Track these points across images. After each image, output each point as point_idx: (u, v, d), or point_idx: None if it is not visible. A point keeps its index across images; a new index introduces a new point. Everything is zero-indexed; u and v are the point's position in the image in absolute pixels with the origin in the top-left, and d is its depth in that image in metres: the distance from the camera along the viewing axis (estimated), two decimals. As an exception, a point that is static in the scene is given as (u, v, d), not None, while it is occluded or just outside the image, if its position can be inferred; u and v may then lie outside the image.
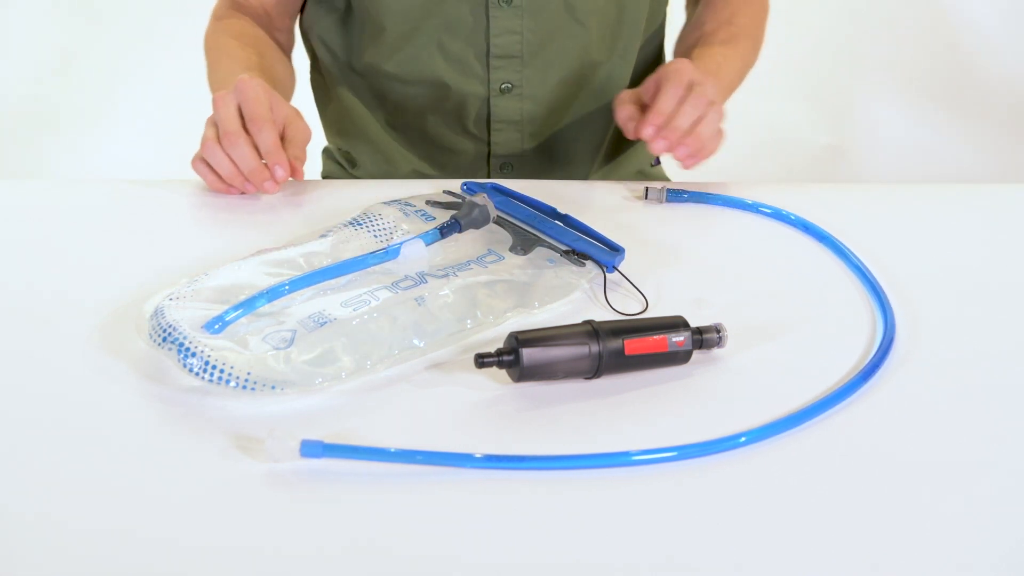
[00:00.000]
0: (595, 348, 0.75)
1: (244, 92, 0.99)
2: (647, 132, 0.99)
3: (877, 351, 0.80)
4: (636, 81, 1.25)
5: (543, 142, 1.21)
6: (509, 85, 1.15)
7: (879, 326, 0.83)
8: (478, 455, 0.69)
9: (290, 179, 1.00)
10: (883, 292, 0.87)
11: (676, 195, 1.02)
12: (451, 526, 0.65)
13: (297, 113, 1.04)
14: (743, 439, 0.71)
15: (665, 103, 0.99)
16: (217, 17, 1.24)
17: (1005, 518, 0.66)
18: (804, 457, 0.71)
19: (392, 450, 0.69)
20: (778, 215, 0.99)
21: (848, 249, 0.93)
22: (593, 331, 0.75)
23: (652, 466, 0.69)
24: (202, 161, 1.00)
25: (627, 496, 0.67)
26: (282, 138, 1.01)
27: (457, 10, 1.12)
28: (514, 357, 0.74)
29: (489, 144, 1.20)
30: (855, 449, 0.72)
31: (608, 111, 1.23)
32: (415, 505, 0.66)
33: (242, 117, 0.99)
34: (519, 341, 0.74)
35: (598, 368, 0.75)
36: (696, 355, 0.79)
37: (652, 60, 1.28)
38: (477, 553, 0.63)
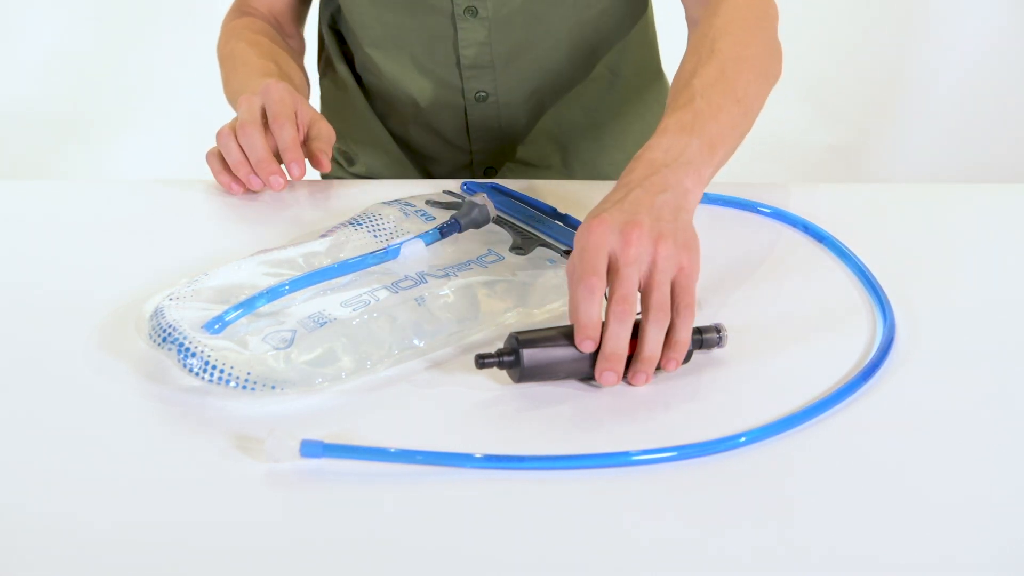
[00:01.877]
0: (596, 349, 0.74)
1: (270, 94, 1.01)
2: (609, 379, 0.74)
3: (877, 351, 0.80)
4: (624, 81, 1.24)
5: (525, 148, 1.21)
6: (484, 94, 1.15)
7: (879, 326, 0.83)
8: (478, 455, 0.69)
9: (290, 179, 1.00)
10: (883, 292, 0.87)
11: None
12: (451, 526, 0.65)
13: (321, 116, 1.06)
14: (743, 439, 0.71)
15: (612, 343, 0.73)
16: (227, 26, 1.23)
17: (1004, 518, 0.66)
18: (804, 457, 0.71)
19: (392, 450, 0.69)
20: (778, 215, 0.99)
21: (848, 249, 0.93)
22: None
23: (652, 466, 0.69)
24: (215, 153, 1.01)
25: (628, 496, 0.67)
26: (306, 139, 1.03)
27: (425, 22, 1.12)
28: (514, 358, 0.74)
29: (471, 152, 1.20)
30: (855, 449, 0.72)
31: (598, 116, 1.22)
32: (415, 505, 0.66)
33: (265, 119, 1.00)
34: (519, 342, 0.74)
35: None
36: (696, 355, 0.79)
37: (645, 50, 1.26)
38: (477, 553, 0.63)
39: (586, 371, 0.75)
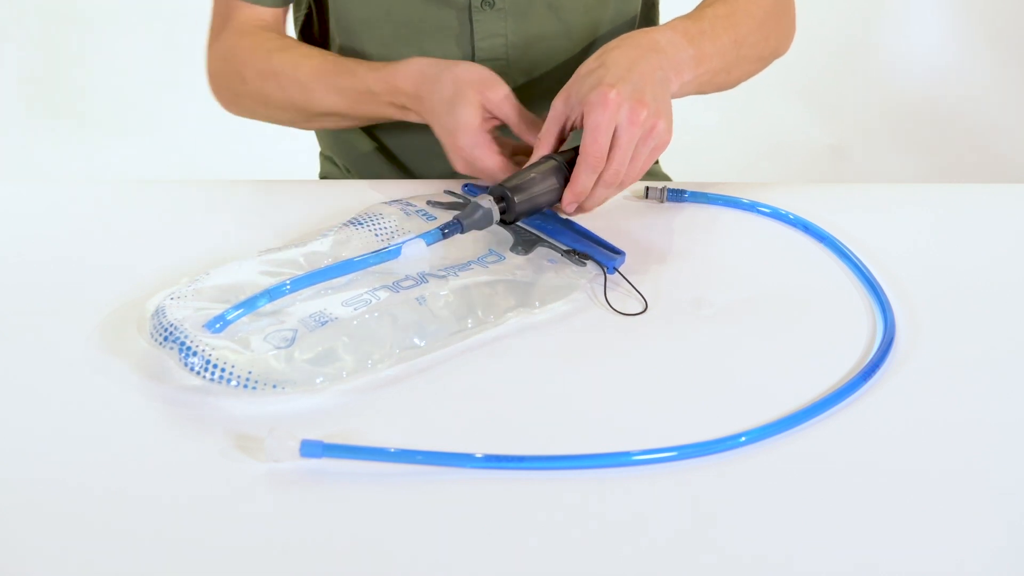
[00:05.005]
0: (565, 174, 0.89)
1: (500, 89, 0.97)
2: (570, 210, 0.91)
3: (877, 351, 0.80)
4: None
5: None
6: None
7: (879, 326, 0.83)
8: (478, 455, 0.69)
9: (289, 179, 0.99)
10: (883, 292, 0.87)
11: (676, 195, 1.02)
12: (451, 526, 0.65)
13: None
14: (743, 439, 0.71)
15: (581, 182, 0.89)
16: (230, 45, 1.12)
17: (1004, 517, 0.66)
18: (804, 457, 0.71)
19: (392, 450, 0.69)
20: (777, 215, 0.99)
21: (848, 249, 0.93)
22: (559, 165, 0.89)
23: (652, 466, 0.69)
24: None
25: (627, 496, 0.67)
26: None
27: (439, 16, 1.12)
28: (506, 203, 0.87)
29: None
30: (855, 449, 0.72)
31: None
32: (415, 505, 0.66)
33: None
34: (507, 189, 0.87)
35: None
36: (694, 357, 0.79)
37: None
38: (477, 553, 0.63)
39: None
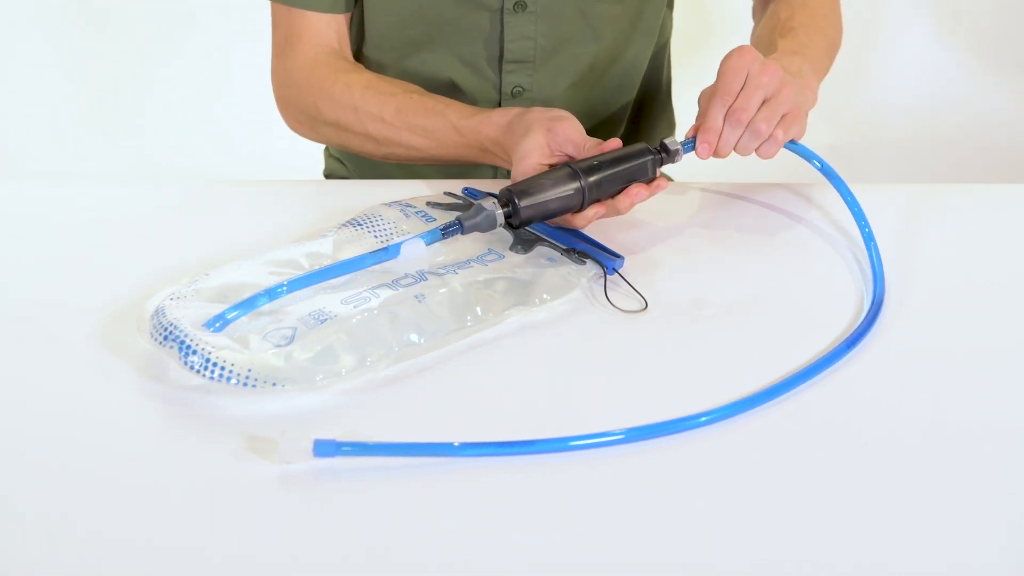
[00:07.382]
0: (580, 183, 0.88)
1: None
2: (703, 153, 0.94)
3: (855, 330, 0.81)
4: (643, 86, 1.25)
5: None
6: (520, 88, 1.16)
7: (865, 312, 0.84)
8: (455, 443, 0.69)
9: (288, 179, 0.99)
10: (879, 263, 0.88)
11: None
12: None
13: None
14: (704, 419, 0.71)
15: (712, 116, 0.92)
16: (302, 72, 1.12)
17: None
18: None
19: (410, 444, 0.69)
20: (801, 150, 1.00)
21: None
22: (573, 172, 0.88)
23: (596, 451, 0.69)
24: None
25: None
26: None
27: (471, 17, 1.12)
28: (511, 208, 0.86)
29: None
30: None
31: (615, 115, 1.23)
32: (427, 499, 0.67)
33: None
34: (513, 193, 0.86)
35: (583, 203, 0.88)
36: (695, 356, 0.79)
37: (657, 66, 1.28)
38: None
39: (573, 206, 0.88)
